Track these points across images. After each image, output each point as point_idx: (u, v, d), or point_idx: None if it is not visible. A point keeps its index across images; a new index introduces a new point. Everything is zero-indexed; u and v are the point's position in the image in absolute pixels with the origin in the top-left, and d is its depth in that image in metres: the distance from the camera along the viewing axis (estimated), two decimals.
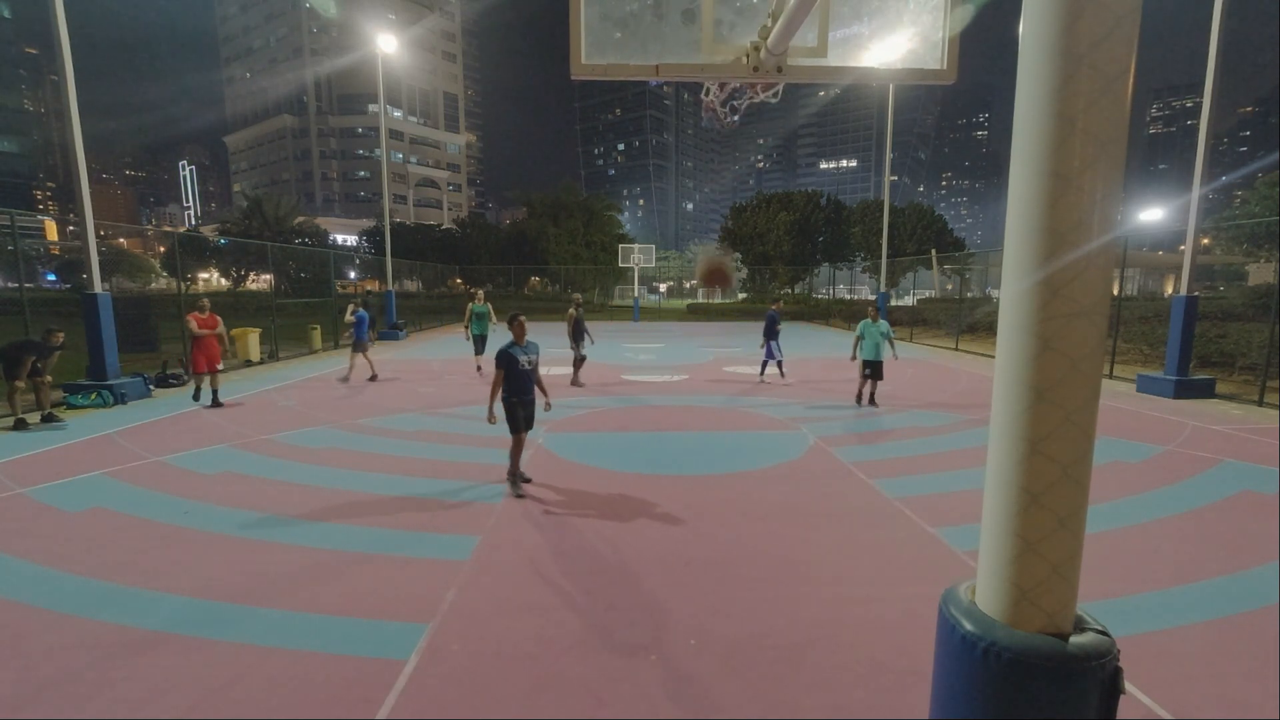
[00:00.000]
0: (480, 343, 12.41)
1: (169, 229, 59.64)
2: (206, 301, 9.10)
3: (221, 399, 9.28)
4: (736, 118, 4.33)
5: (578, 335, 11.20)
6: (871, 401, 9.35)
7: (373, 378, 11.78)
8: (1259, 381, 9.93)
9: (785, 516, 4.89)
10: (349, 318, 11.65)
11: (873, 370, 9.16)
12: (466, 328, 12.36)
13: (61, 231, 48.39)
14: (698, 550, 4.26)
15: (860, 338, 9.24)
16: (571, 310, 11.33)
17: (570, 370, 11.26)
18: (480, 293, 12.66)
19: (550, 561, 4.08)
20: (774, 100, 4.06)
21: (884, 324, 9.18)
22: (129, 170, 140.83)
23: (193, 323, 8.85)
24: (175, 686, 2.80)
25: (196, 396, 9.22)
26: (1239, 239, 25.21)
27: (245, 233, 47.29)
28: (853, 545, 4.36)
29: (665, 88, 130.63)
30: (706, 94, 4.22)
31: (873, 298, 15.76)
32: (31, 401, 8.05)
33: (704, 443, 7.13)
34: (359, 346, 11.60)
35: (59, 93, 9.36)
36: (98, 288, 9.75)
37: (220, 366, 9.08)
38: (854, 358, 9.43)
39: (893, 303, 27.31)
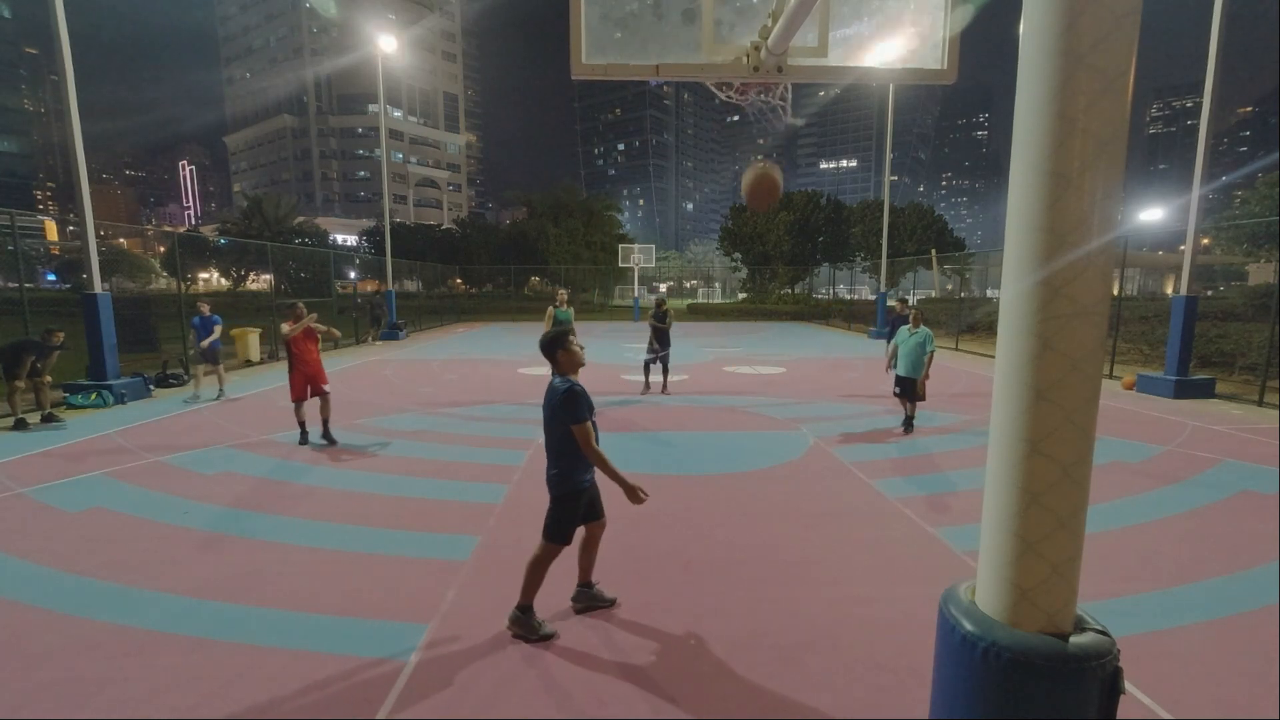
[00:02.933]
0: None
1: (169, 229, 59.68)
2: (303, 306, 7.08)
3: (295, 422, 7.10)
4: (786, 108, 4.12)
5: (663, 338, 10.27)
6: (907, 426, 7.69)
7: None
8: (1259, 381, 9.93)
9: (785, 516, 4.89)
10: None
11: (903, 388, 7.57)
12: None
13: (61, 231, 48.39)
14: (698, 550, 4.26)
15: (895, 348, 7.68)
16: (652, 316, 10.37)
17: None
18: (563, 294, 9.90)
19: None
20: (784, 114, 4.03)
21: (923, 332, 7.43)
22: (129, 170, 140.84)
23: (285, 328, 6.91)
24: (175, 686, 2.80)
25: (304, 439, 7.02)
26: (1239, 239, 25.22)
27: (245, 233, 47.31)
28: (853, 545, 4.36)
29: (665, 88, 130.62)
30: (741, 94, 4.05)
31: (872, 298, 15.23)
32: (31, 401, 8.05)
33: (704, 443, 7.13)
34: (211, 356, 9.60)
35: (59, 93, 9.36)
36: (98, 288, 9.75)
37: (326, 388, 7.05)
38: (889, 368, 7.89)
39: (891, 303, 27.34)
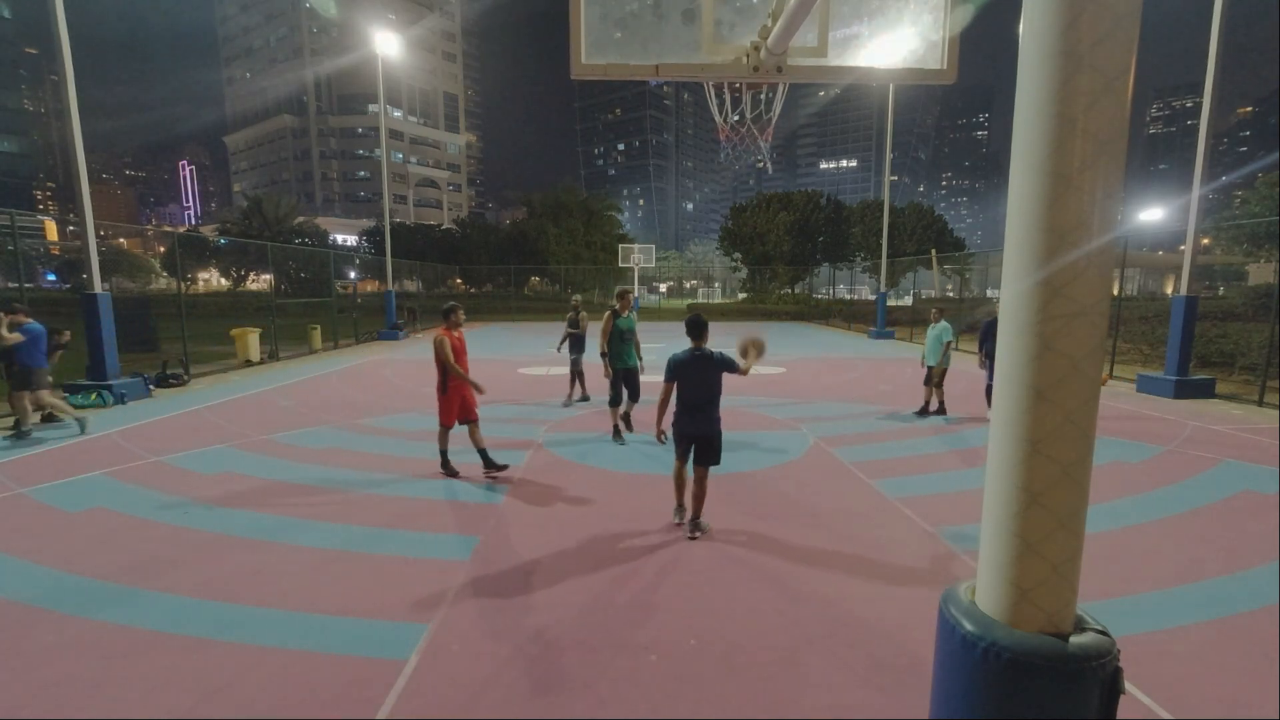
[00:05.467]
0: (629, 385, 7.33)
1: (169, 229, 59.66)
2: (462, 312, 5.86)
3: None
4: (765, 146, 4.39)
5: (577, 343, 9.47)
6: (939, 409, 8.54)
7: (43, 415, 7.69)
8: (1259, 381, 9.92)
9: (785, 516, 4.89)
10: (8, 335, 6.98)
11: (927, 377, 8.58)
12: (605, 355, 7.28)
13: (61, 231, 48.41)
14: (697, 550, 4.26)
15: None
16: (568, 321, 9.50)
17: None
18: (628, 297, 7.62)
19: (550, 561, 4.08)
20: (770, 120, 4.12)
21: (939, 326, 8.44)
22: (129, 170, 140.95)
23: (448, 346, 5.55)
24: (175, 686, 2.79)
25: (451, 471, 5.88)
26: (1239, 239, 25.19)
27: (245, 233, 47.32)
28: (853, 545, 4.36)
29: (665, 88, 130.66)
30: (724, 117, 4.24)
31: (872, 298, 15.39)
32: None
33: None
34: (31, 380, 7.20)
35: (59, 93, 9.36)
36: (98, 288, 9.75)
37: (478, 410, 5.89)
38: (924, 364, 8.64)
39: (892, 303, 27.30)
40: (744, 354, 4.36)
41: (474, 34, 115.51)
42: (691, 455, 4.46)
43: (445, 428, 5.83)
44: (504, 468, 5.92)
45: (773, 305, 37.74)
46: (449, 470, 5.90)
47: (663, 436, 4.54)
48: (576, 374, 9.53)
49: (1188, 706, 2.68)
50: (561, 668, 2.94)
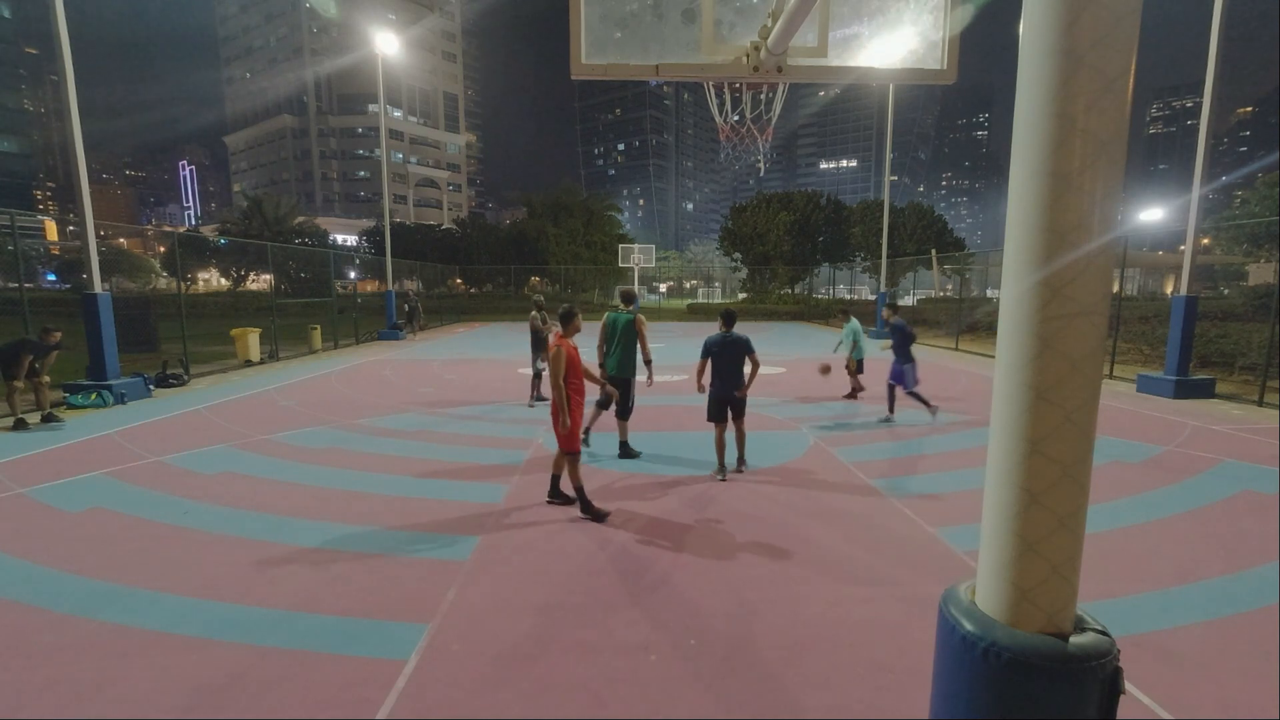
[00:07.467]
0: (629, 397, 6.50)
1: (169, 229, 59.63)
2: (580, 318, 4.99)
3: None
4: (764, 146, 4.44)
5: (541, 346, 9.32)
6: (851, 394, 10.01)
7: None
8: (1259, 381, 9.92)
9: (785, 516, 4.89)
10: None
11: (852, 366, 10.04)
12: (649, 362, 6.54)
13: (61, 231, 48.37)
14: (697, 550, 4.26)
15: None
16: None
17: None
18: (633, 296, 6.94)
19: (550, 561, 4.08)
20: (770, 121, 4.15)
21: (848, 324, 10.00)
22: (129, 170, 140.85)
23: (563, 360, 4.61)
24: (175, 686, 2.80)
25: (588, 506, 4.79)
26: (1239, 239, 25.22)
27: (245, 233, 47.26)
28: (853, 545, 4.36)
29: (665, 88, 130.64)
30: (724, 117, 4.27)
31: (872, 298, 15.79)
32: (31, 401, 8.05)
33: (704, 442, 7.12)
34: None
35: (59, 93, 9.36)
36: (98, 288, 9.75)
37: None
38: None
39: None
40: (823, 372, 7.83)
41: (474, 34, 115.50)
42: (729, 414, 5.78)
43: (573, 456, 4.74)
44: (605, 515, 4.80)
45: (773, 305, 37.72)
46: (594, 512, 4.76)
47: (702, 389, 5.94)
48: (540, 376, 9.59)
49: (1188, 706, 2.68)
50: (561, 668, 2.94)
